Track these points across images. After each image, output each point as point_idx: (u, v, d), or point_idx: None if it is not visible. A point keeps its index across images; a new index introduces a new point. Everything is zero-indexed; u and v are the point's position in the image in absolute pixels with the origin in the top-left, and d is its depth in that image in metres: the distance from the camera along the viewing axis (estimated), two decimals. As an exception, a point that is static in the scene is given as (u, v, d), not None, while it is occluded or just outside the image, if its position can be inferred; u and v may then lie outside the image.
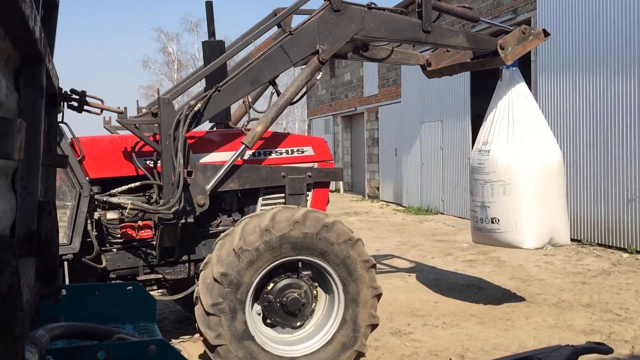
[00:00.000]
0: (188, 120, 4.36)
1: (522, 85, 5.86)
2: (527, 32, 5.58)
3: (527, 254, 9.30)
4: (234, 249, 4.09)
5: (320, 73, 4.91)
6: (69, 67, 60.82)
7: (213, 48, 5.24)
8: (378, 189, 20.21)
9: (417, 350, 5.10)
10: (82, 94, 4.22)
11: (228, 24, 69.96)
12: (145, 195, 4.71)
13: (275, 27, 5.35)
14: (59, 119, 3.88)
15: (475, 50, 5.74)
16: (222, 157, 4.76)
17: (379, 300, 4.47)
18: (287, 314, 4.39)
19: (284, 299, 4.35)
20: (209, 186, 4.52)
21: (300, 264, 4.39)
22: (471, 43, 5.47)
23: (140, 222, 4.74)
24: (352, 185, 24.14)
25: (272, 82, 5.03)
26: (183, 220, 4.43)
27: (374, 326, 4.48)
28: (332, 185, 24.76)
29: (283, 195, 5.01)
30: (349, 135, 24.15)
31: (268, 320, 4.44)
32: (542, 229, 5.63)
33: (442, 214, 15.08)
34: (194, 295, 4.24)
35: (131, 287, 2.23)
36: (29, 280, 1.46)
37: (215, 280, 4.05)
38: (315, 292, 4.49)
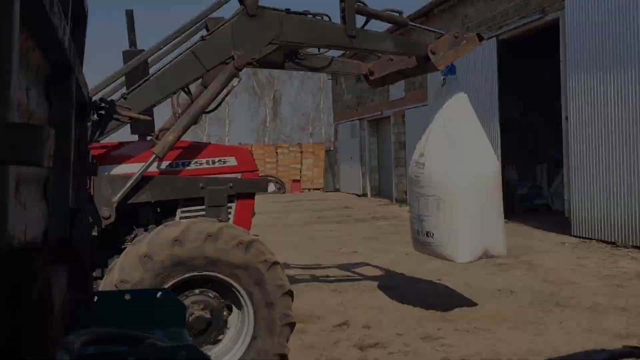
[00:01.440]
0: (90, 129, 4.16)
1: (461, 94, 5.68)
2: (459, 37, 5.37)
3: (560, 257, 9.13)
4: (115, 285, 3.83)
5: (237, 80, 4.70)
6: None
7: (133, 57, 5.06)
8: (406, 193, 20.11)
9: (448, 356, 5.04)
10: (111, 103, 4.28)
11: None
12: None
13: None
14: (89, 128, 3.94)
15: (406, 55, 5.56)
16: (135, 168, 4.47)
17: (292, 298, 4.28)
18: (201, 333, 4.14)
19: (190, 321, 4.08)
20: (115, 198, 4.26)
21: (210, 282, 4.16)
22: (400, 48, 5.27)
23: None
24: (380, 189, 24.06)
25: (185, 90, 4.90)
26: None
27: (291, 325, 4.29)
28: (360, 190, 24.74)
29: (203, 207, 4.78)
30: (376, 139, 24.11)
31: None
32: (475, 243, 5.55)
33: (471, 217, 14.91)
34: None
35: (161, 293, 2.25)
36: (62, 287, 1.48)
37: None
38: (224, 312, 4.24)
